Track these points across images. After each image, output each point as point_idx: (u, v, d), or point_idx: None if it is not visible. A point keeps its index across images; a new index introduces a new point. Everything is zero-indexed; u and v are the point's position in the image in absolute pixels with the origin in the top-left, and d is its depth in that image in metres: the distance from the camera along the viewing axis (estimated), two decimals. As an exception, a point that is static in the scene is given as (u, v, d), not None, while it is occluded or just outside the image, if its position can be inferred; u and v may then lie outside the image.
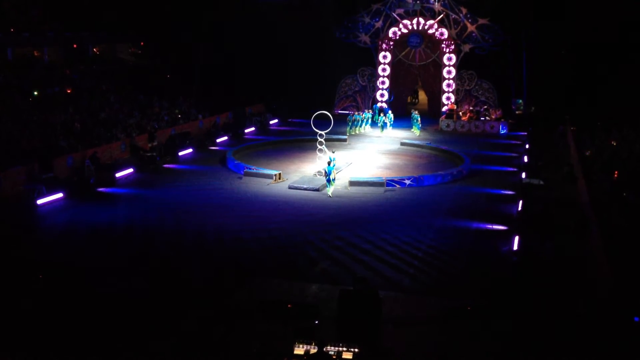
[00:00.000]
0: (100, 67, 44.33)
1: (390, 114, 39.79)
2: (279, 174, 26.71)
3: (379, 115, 39.67)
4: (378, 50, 44.47)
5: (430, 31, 42.97)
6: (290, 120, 43.20)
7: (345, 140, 34.79)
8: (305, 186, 25.26)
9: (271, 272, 16.88)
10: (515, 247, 18.43)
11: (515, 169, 29.33)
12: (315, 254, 18.20)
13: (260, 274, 16.67)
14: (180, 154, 31.63)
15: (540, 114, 42.63)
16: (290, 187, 25.36)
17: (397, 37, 43.90)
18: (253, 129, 39.56)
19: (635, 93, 37.27)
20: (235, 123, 40.07)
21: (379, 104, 43.98)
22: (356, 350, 11.13)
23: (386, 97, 44.42)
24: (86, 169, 26.81)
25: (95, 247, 18.84)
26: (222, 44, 45.55)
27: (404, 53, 44.28)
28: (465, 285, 16.11)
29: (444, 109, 42.41)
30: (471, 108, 41.56)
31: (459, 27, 42.66)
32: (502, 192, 25.41)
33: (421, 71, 45.08)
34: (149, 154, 30.27)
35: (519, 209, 22.11)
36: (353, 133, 37.36)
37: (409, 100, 49.14)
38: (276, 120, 42.86)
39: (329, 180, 24.38)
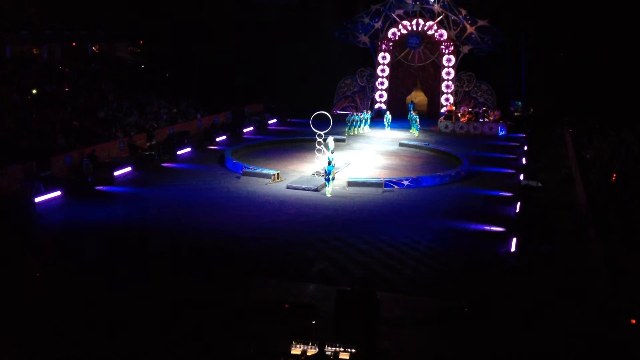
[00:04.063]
0: (99, 66, 44.31)
1: (389, 115, 39.82)
2: (277, 173, 26.69)
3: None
4: (377, 51, 44.54)
5: (429, 32, 43.04)
6: (289, 120, 43.23)
7: (343, 140, 34.81)
8: (303, 186, 25.24)
9: (269, 272, 16.87)
10: (512, 249, 18.45)
11: (513, 171, 29.36)
12: (313, 254, 18.17)
13: (258, 274, 16.66)
14: (178, 153, 31.61)
15: (539, 116, 42.68)
16: (288, 187, 25.34)
17: (397, 38, 43.96)
18: (252, 128, 39.56)
19: (634, 95, 37.35)
20: (234, 122, 40.08)
21: (377, 104, 44.04)
22: (353, 350, 11.13)
23: (385, 97, 44.45)
24: (84, 168, 26.80)
25: (93, 245, 18.81)
26: (222, 43, 45.53)
27: (403, 54, 44.33)
28: (462, 286, 16.11)
29: (443, 110, 42.45)
30: (470, 109, 41.59)
31: (459, 29, 42.73)
32: (500, 193, 25.44)
33: (420, 72, 45.13)
34: (147, 153, 30.26)
35: (517, 210, 22.13)
36: (352, 133, 37.39)
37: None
38: (275, 120, 42.88)
39: (328, 180, 24.38)
